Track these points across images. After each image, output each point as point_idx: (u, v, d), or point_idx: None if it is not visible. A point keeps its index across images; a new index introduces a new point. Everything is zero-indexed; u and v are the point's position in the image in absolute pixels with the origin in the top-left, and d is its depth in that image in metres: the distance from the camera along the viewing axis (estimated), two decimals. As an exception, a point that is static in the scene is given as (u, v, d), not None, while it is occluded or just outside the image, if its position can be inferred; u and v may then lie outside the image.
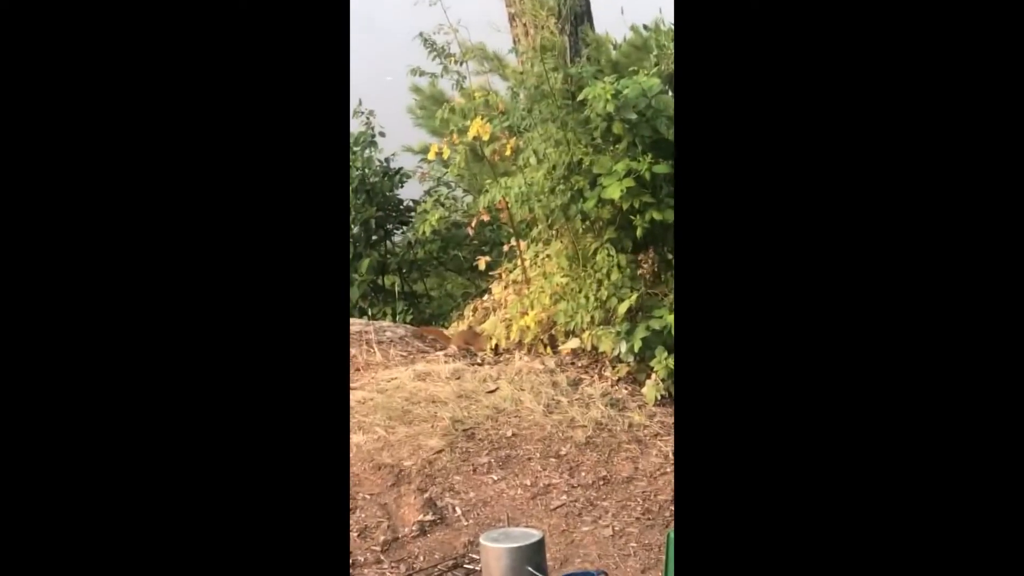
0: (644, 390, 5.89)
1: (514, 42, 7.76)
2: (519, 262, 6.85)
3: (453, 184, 9.51)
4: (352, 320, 7.48)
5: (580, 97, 6.16)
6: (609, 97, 5.94)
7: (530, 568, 4.06)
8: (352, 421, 5.53)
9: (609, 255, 6.15)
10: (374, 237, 9.42)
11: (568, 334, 6.34)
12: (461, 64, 6.91)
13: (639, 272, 6.30)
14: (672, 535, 3.89)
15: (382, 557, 4.59)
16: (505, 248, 7.35)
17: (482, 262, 7.25)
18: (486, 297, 7.24)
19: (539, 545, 4.11)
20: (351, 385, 6.01)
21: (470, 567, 4.48)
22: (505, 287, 6.98)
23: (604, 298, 6.08)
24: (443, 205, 9.02)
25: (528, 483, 5.14)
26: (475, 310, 7.18)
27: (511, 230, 7.02)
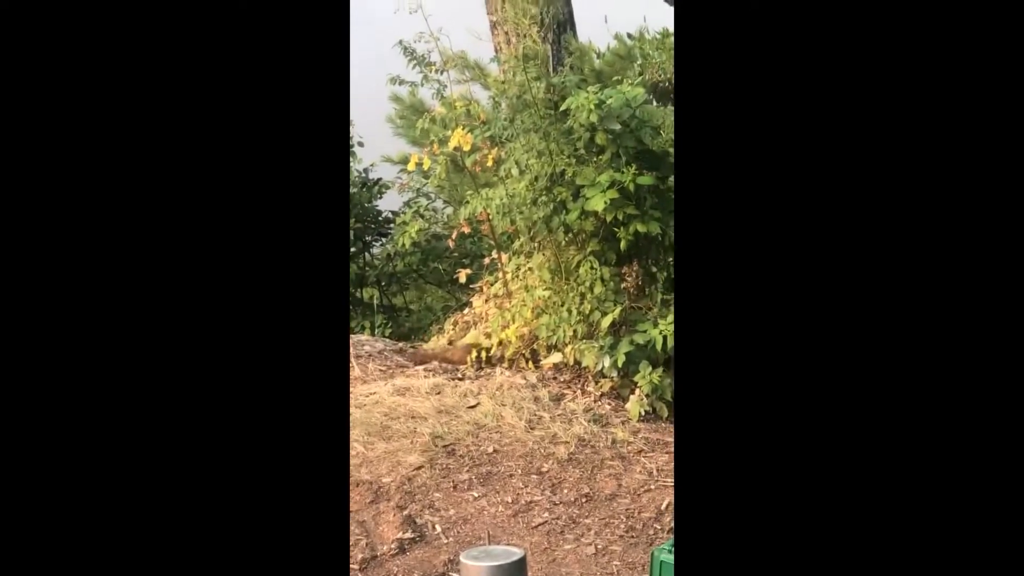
0: (628, 406, 5.94)
1: (496, 51, 7.83)
2: (500, 275, 6.90)
3: (433, 195, 9.55)
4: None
5: (563, 107, 6.22)
6: (592, 107, 6.00)
7: (511, 586, 4.06)
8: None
9: (592, 268, 6.21)
10: (352, 249, 9.45)
11: (550, 348, 6.39)
12: (442, 73, 6.95)
13: (623, 285, 6.36)
14: (656, 553, 3.94)
15: (360, 575, 4.62)
16: (486, 261, 7.39)
17: (463, 275, 7.29)
18: (467, 311, 7.29)
19: (521, 564, 4.12)
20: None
21: (450, 586, 4.52)
22: (486, 300, 7.02)
23: (587, 312, 6.13)
24: (423, 216, 9.05)
25: (509, 500, 5.19)
26: (455, 324, 7.22)
27: (492, 242, 7.07)
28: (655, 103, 7.05)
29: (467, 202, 6.54)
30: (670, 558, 3.91)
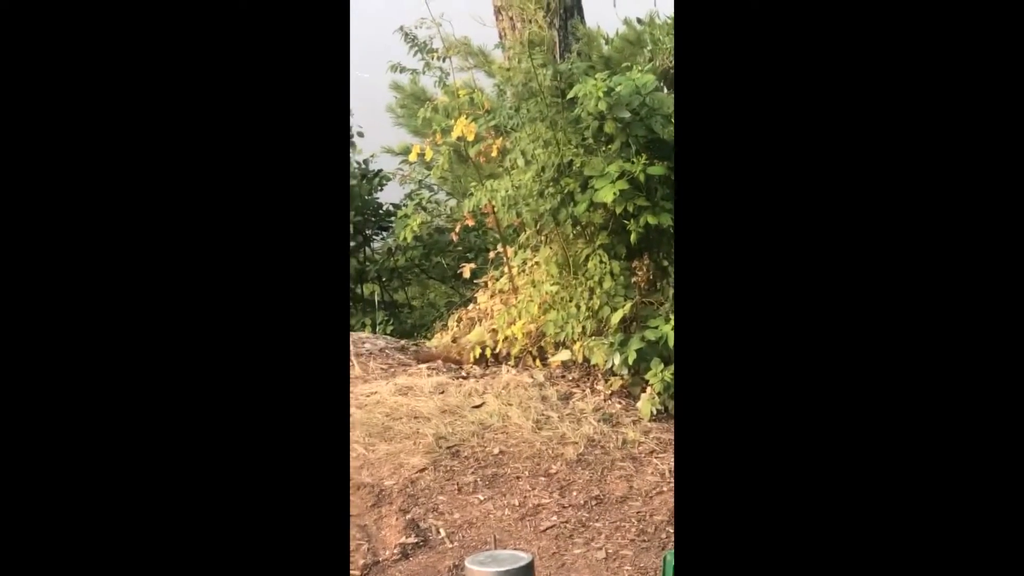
0: (639, 404, 5.89)
1: (500, 37, 7.76)
2: (506, 269, 6.85)
3: (435, 187, 9.51)
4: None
5: (570, 95, 6.15)
6: (601, 95, 5.94)
7: (519, 593, 4.04)
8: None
9: (601, 262, 6.15)
10: (352, 243, 9.40)
11: (558, 345, 6.34)
12: (444, 60, 6.90)
13: (633, 280, 6.30)
14: (669, 558, 3.89)
15: (362, 582, 4.58)
16: (491, 255, 7.34)
17: (467, 269, 7.24)
18: (471, 307, 7.23)
19: (528, 569, 4.10)
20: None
21: (455, 592, 4.48)
22: (491, 296, 6.97)
23: (596, 307, 6.07)
24: (425, 209, 9.01)
25: (516, 503, 5.14)
26: (459, 320, 7.16)
27: (497, 236, 7.02)
28: (665, 90, 6.98)
29: (471, 194, 6.48)
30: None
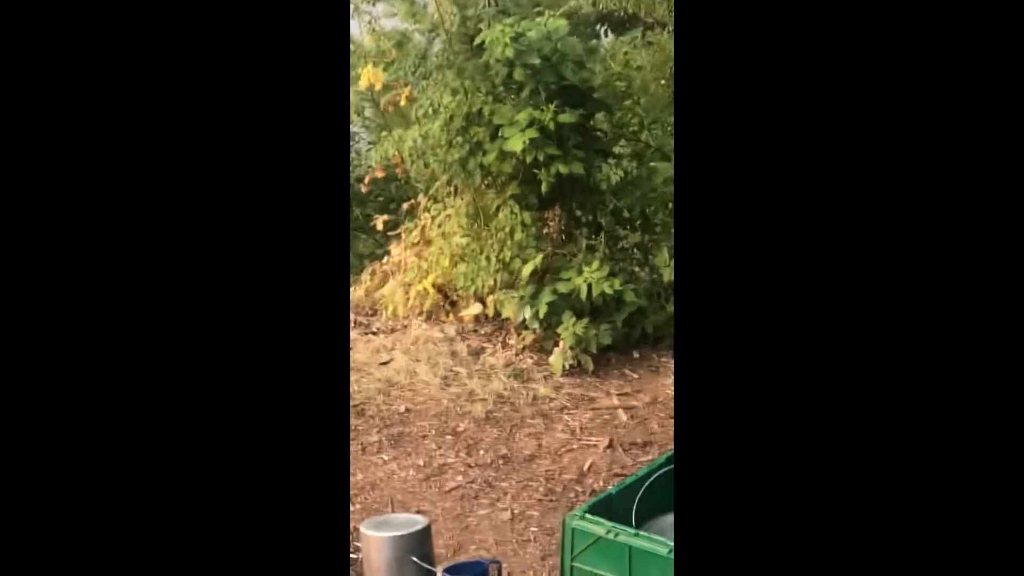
0: (551, 359, 5.83)
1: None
2: (419, 221, 6.74)
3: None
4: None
5: (477, 41, 6.02)
6: (508, 40, 5.81)
7: (415, 559, 4.01)
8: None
9: (512, 212, 6.05)
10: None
11: (471, 299, 6.25)
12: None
13: (545, 231, 6.22)
14: (568, 520, 3.84)
15: (258, 548, 4.50)
16: (405, 207, 7.22)
17: (380, 221, 7.11)
18: (385, 260, 7.12)
19: (425, 533, 4.08)
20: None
21: (354, 556, 4.40)
22: (405, 248, 6.86)
23: (507, 259, 5.98)
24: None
25: (421, 463, 5.09)
26: (373, 274, 7.05)
27: (406, 187, 6.92)
28: (609, 33, 6.87)
29: (377, 144, 6.37)
30: (583, 525, 3.80)
